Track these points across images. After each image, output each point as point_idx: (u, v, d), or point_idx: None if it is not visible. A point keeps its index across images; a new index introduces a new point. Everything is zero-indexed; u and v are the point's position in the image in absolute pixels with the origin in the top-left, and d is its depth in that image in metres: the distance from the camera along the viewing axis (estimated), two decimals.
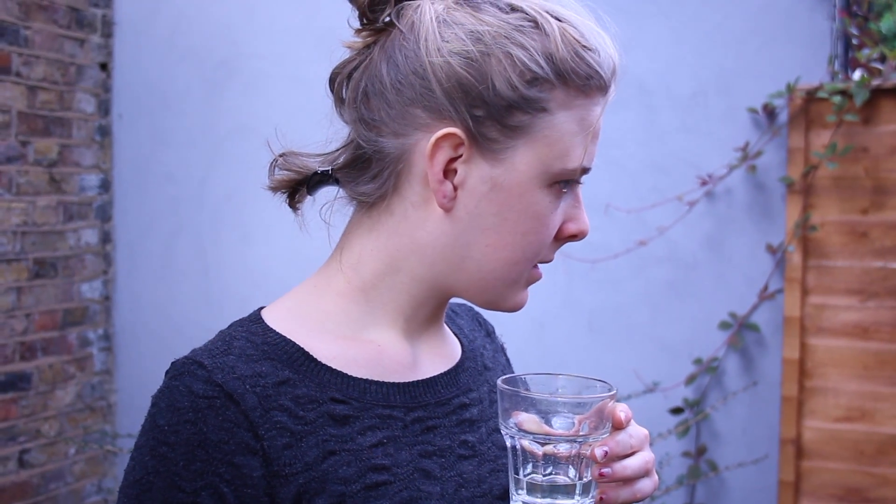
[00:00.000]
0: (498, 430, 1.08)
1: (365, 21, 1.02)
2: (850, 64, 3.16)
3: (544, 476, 0.95)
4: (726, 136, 3.18)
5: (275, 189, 1.10)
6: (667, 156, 3.26)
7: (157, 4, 4.02)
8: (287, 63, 3.60)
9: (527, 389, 0.99)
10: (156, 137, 4.03)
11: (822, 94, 2.99)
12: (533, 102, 0.96)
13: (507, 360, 1.28)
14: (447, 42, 0.96)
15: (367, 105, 1.02)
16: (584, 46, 0.98)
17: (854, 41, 3.11)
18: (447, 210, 0.99)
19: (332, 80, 1.06)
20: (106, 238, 4.08)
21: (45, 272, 3.79)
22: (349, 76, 1.04)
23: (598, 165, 3.66)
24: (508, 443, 0.96)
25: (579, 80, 0.97)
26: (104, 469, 4.06)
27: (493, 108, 0.96)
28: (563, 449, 0.94)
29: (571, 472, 0.94)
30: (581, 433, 0.94)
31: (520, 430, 0.94)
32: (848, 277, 3.04)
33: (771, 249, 3.10)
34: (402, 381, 1.03)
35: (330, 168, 1.07)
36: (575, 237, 1.05)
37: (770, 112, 3.11)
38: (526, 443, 0.94)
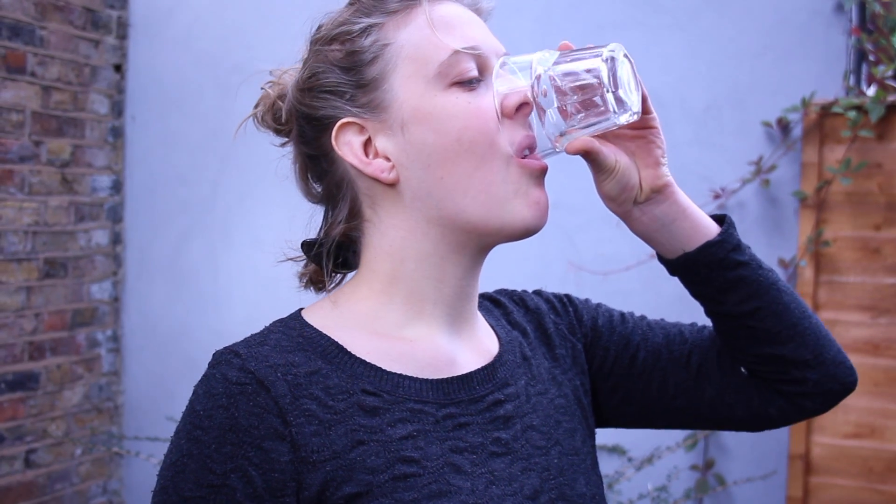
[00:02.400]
0: (533, 428, 1.08)
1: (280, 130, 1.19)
2: (865, 80, 3.15)
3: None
4: (740, 149, 3.17)
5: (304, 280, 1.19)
6: (680, 169, 3.23)
7: (172, 7, 4.03)
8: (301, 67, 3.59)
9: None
10: (168, 140, 4.04)
11: (836, 110, 2.97)
12: (369, 50, 1.04)
13: (581, 314, 1.26)
14: (301, 81, 1.12)
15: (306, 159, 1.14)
16: None
17: (870, 57, 3.09)
18: (395, 182, 1.04)
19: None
20: (116, 239, 4.08)
21: (56, 272, 3.79)
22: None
23: None
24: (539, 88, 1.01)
25: (393, 3, 1.06)
26: (110, 470, 4.06)
27: (349, 81, 1.05)
28: (589, 58, 1.00)
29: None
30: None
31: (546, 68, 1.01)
32: (860, 293, 3.03)
33: (783, 264, 3.09)
34: (435, 377, 1.04)
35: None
36: (524, 105, 1.04)
37: (784, 126, 3.10)
38: (561, 68, 1.00)
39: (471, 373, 1.07)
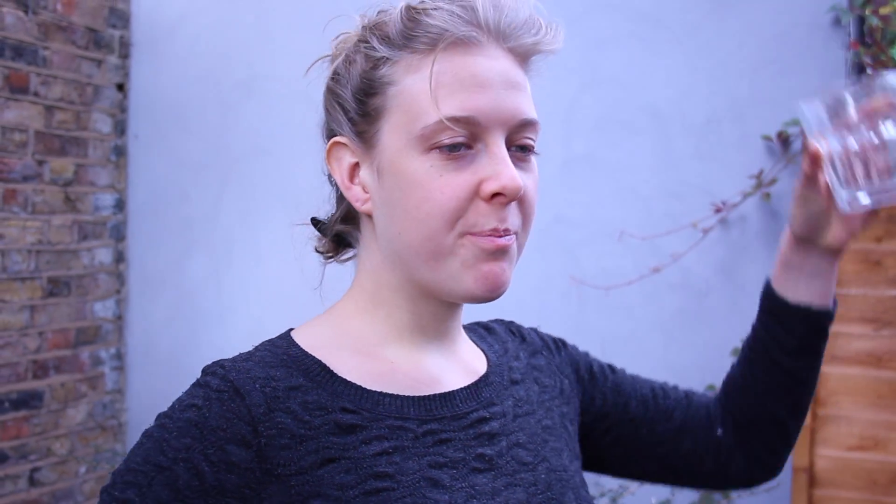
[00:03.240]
0: (519, 445, 1.09)
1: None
2: None
3: None
4: (740, 163, 3.18)
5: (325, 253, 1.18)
6: (681, 183, 3.26)
7: (174, 26, 4.04)
8: (303, 85, 3.61)
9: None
10: (171, 157, 4.05)
11: None
12: (377, 82, 1.02)
13: (575, 366, 1.28)
14: (331, 71, 1.09)
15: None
16: (418, 10, 1.01)
17: (868, 70, 3.11)
18: (369, 213, 1.06)
19: None
20: (120, 258, 4.09)
21: (59, 291, 3.80)
22: None
23: (611, 192, 3.65)
24: (832, 147, 0.98)
25: (421, 42, 1.00)
26: None
27: (355, 103, 1.04)
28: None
29: None
30: None
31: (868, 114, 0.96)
32: (862, 306, 3.03)
33: None
34: (418, 394, 1.05)
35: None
36: (499, 195, 0.99)
37: (784, 140, 3.11)
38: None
39: (454, 391, 1.07)
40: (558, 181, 3.38)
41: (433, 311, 1.08)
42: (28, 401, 3.67)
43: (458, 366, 1.11)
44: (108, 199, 4.04)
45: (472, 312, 1.16)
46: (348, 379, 1.03)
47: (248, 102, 3.89)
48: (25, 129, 3.64)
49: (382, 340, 1.08)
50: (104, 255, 4.02)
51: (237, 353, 1.05)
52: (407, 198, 0.99)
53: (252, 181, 3.87)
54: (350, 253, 1.15)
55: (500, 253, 1.00)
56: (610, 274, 3.28)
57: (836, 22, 3.06)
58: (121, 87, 4.09)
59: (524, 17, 1.03)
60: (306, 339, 1.06)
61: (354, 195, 1.06)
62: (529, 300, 3.35)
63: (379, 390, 1.03)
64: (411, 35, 1.00)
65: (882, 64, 3.06)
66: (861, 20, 3.11)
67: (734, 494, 3.12)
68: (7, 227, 3.58)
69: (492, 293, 1.02)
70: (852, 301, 3.06)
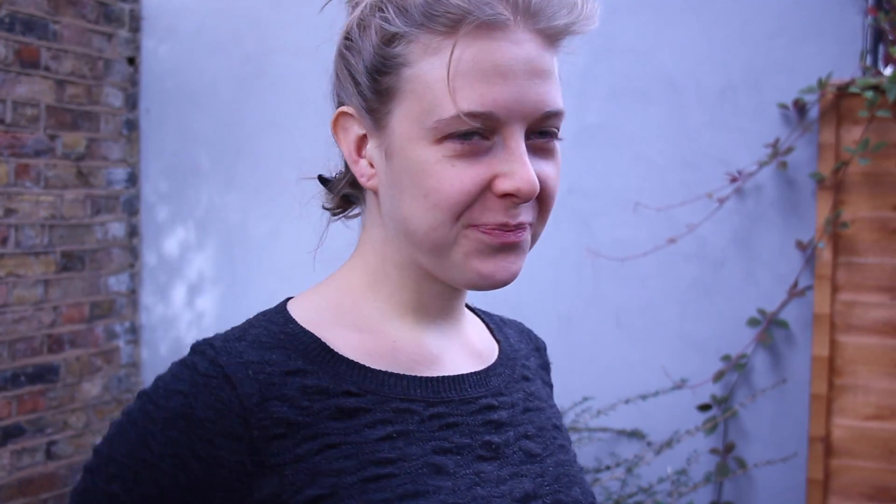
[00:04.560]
0: (528, 437, 1.06)
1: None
2: (882, 60, 3.12)
3: None
4: (756, 132, 3.15)
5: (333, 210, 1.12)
6: (696, 152, 3.23)
7: None
8: (315, 58, 3.59)
9: None
10: (183, 132, 4.04)
11: (853, 90, 2.95)
12: (391, 60, 0.94)
13: (550, 383, 1.23)
14: (343, 32, 1.01)
15: None
16: None
17: (889, 37, 3.07)
18: (374, 189, 1.00)
19: None
20: (133, 231, 4.09)
21: (73, 265, 3.81)
22: None
23: (626, 163, 3.64)
24: None
25: (441, 23, 0.92)
26: None
27: (367, 76, 0.97)
28: None
29: None
30: None
31: None
32: (878, 274, 3.01)
33: (801, 246, 3.08)
34: (424, 375, 1.01)
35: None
36: (512, 196, 0.93)
37: (801, 108, 3.08)
38: None
39: (463, 375, 1.04)
40: (572, 152, 3.36)
41: (438, 291, 1.03)
42: (44, 374, 3.68)
43: (463, 348, 1.07)
44: (120, 173, 4.03)
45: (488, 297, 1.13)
46: (350, 358, 0.98)
47: (260, 76, 3.87)
48: (37, 103, 3.64)
49: (384, 317, 1.03)
50: (117, 230, 4.02)
51: (230, 329, 1.00)
52: (415, 185, 0.94)
53: (265, 155, 3.86)
54: (357, 210, 1.10)
55: (508, 248, 0.95)
56: (625, 245, 3.26)
57: None
58: (132, 61, 4.07)
59: None
60: (304, 314, 1.01)
61: (360, 170, 1.01)
62: (543, 272, 3.34)
63: (383, 369, 0.99)
64: (432, 14, 0.92)
65: None
66: None
67: (750, 464, 3.12)
68: (20, 201, 3.58)
69: (495, 286, 0.97)
70: (869, 270, 3.04)
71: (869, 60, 3.05)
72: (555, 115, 0.95)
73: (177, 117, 4.05)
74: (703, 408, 3.16)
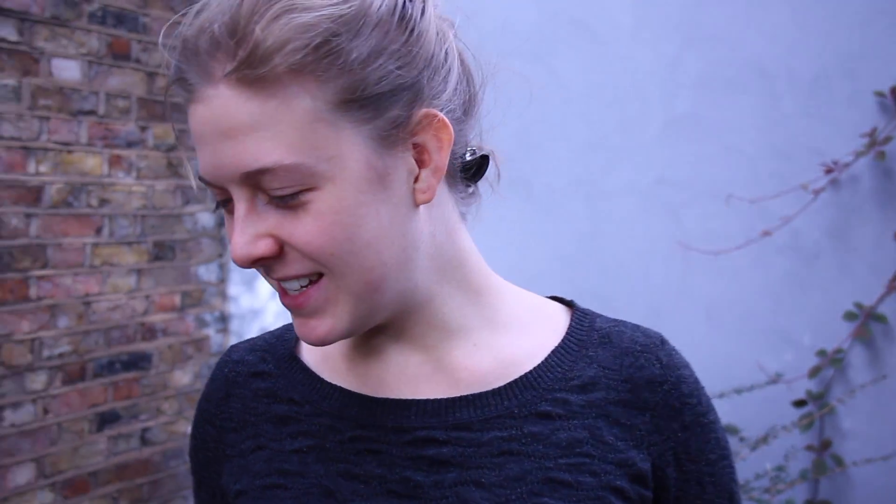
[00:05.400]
0: (478, 484, 0.90)
1: None
2: None
3: None
4: (851, 121, 3.07)
5: None
6: (789, 142, 3.17)
7: None
8: None
9: None
10: None
11: None
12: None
13: (636, 424, 0.95)
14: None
15: None
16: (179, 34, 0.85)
17: None
18: None
19: None
20: (222, 222, 4.15)
21: (164, 255, 3.88)
22: None
23: (716, 153, 3.58)
24: None
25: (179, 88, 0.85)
26: None
27: None
28: None
29: None
30: None
31: None
32: None
33: None
34: (374, 395, 0.95)
35: None
36: (259, 260, 0.86)
37: None
38: None
39: (415, 400, 0.94)
40: (660, 142, 3.32)
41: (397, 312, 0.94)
42: (137, 362, 3.76)
43: (437, 371, 0.95)
44: None
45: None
46: (311, 367, 1.00)
47: None
48: (128, 95, 3.70)
49: (371, 330, 0.95)
50: (206, 220, 4.08)
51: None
52: None
53: None
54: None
55: (300, 311, 0.87)
56: (716, 237, 3.21)
57: None
58: None
59: (209, 32, 0.82)
60: None
61: None
62: (632, 264, 3.31)
63: (335, 383, 0.97)
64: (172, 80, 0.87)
65: None
66: None
67: (848, 461, 3.06)
68: (113, 192, 3.65)
69: (314, 345, 0.90)
70: None
71: None
72: (265, 173, 0.81)
73: None
74: (799, 403, 3.10)
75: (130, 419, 3.73)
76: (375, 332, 0.95)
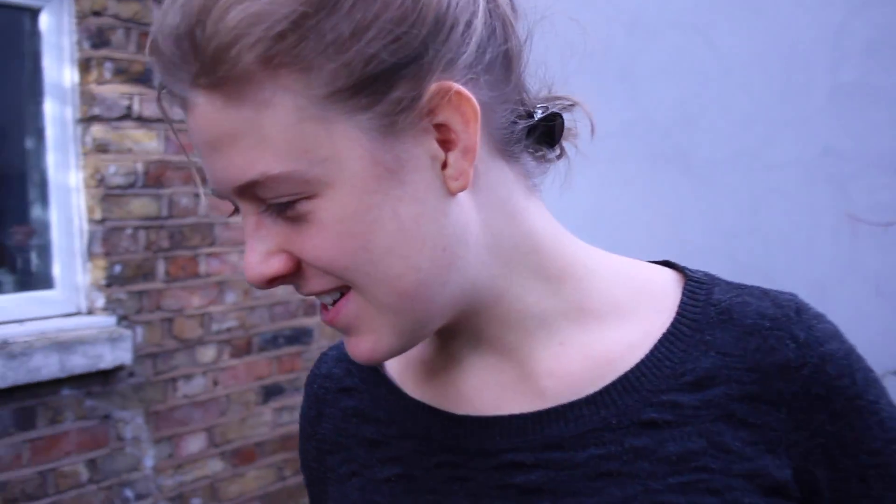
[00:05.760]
0: None
1: None
2: None
3: None
4: None
5: None
6: None
7: None
8: None
9: None
10: None
11: None
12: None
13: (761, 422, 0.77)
14: None
15: None
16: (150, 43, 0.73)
17: None
18: None
19: None
20: None
21: None
22: None
23: (886, 122, 3.43)
24: None
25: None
26: None
27: None
28: None
29: None
30: None
31: None
32: None
33: None
34: (456, 411, 0.84)
35: None
36: (274, 280, 0.77)
37: None
38: None
39: (497, 417, 0.82)
40: (826, 111, 3.19)
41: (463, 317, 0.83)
42: (299, 336, 3.88)
43: (519, 381, 0.83)
44: None
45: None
46: (393, 380, 0.89)
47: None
48: None
49: (430, 337, 0.86)
50: None
51: None
52: None
53: None
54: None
55: (340, 328, 0.79)
56: (886, 209, 3.07)
57: None
58: None
59: (173, 36, 0.70)
60: None
61: None
62: (796, 237, 3.20)
63: (417, 398, 0.86)
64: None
65: None
66: None
67: None
68: None
69: (362, 363, 0.81)
70: None
71: None
72: (256, 186, 0.71)
73: None
74: None
75: (293, 392, 3.85)
76: (450, 337, 0.84)
